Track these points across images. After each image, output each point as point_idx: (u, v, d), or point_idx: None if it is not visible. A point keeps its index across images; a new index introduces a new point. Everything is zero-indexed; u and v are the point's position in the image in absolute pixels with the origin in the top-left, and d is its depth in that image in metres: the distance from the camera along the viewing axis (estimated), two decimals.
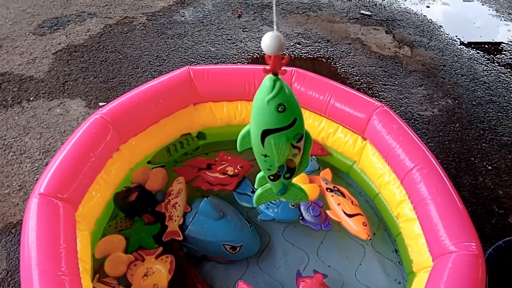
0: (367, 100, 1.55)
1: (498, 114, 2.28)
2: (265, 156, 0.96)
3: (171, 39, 2.63)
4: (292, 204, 1.50)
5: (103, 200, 1.43)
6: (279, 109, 0.85)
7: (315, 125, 1.70)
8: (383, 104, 1.54)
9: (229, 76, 1.63)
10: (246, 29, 2.76)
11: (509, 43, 2.89)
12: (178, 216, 1.47)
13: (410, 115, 2.22)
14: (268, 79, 0.84)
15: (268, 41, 0.78)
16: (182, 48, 2.56)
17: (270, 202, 1.50)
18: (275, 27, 0.81)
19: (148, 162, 1.65)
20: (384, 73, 2.48)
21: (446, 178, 1.33)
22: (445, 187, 1.30)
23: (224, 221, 1.46)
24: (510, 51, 2.80)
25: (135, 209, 1.49)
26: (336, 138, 1.67)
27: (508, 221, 1.77)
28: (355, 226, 1.45)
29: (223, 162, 1.58)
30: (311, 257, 1.54)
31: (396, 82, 2.43)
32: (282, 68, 0.83)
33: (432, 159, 1.37)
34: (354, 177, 1.74)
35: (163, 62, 2.43)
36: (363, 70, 2.50)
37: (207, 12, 2.90)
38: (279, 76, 0.84)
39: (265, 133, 0.90)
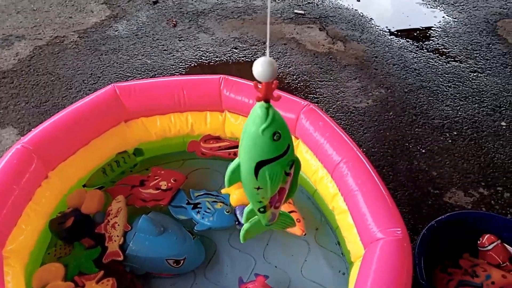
0: (294, 101, 1.59)
1: (429, 98, 2.40)
2: (258, 188, 0.90)
3: (105, 55, 2.58)
4: (227, 211, 1.52)
5: (35, 231, 1.38)
6: (275, 138, 0.80)
7: None
8: (309, 103, 1.58)
9: (157, 89, 1.62)
10: (182, 38, 2.75)
11: (436, 28, 3.04)
12: (118, 236, 1.45)
13: (347, 108, 2.30)
14: (259, 107, 0.79)
15: (260, 68, 0.74)
16: (117, 63, 2.51)
17: (205, 211, 1.51)
18: (267, 51, 0.77)
19: (84, 186, 1.62)
20: (320, 70, 2.55)
21: (371, 168, 1.39)
22: (370, 178, 1.35)
23: (166, 235, 1.45)
24: (437, 37, 2.95)
25: (73, 234, 1.46)
26: None
27: (443, 200, 1.87)
28: None
29: (156, 177, 1.58)
30: (257, 260, 1.56)
31: (331, 78, 2.50)
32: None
33: (357, 151, 1.43)
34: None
35: (98, 80, 2.38)
36: (300, 68, 2.55)
37: (141, 24, 2.87)
38: (270, 103, 0.79)
39: (259, 165, 0.84)
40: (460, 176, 1.96)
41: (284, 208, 1.53)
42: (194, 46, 2.69)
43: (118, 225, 1.46)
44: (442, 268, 1.55)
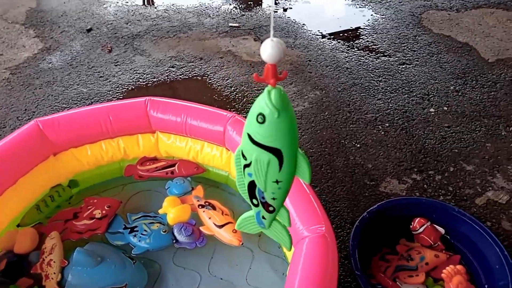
0: (219, 113, 1.63)
1: (362, 94, 2.50)
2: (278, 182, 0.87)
3: (40, 88, 2.54)
4: (163, 231, 1.53)
5: None
6: (258, 119, 0.77)
7: (182, 146, 1.74)
8: (234, 114, 1.63)
9: (82, 119, 1.62)
10: (118, 63, 2.75)
11: (365, 27, 3.18)
12: (54, 273, 1.42)
13: None
14: (281, 90, 0.77)
15: (270, 50, 0.73)
16: (52, 96, 2.48)
17: (142, 233, 1.51)
18: (271, 33, 0.76)
19: (18, 225, 1.58)
20: None
21: None
22: (296, 178, 1.40)
23: (104, 265, 1.44)
24: (366, 35, 3.08)
25: (8, 277, 1.42)
26: (205, 154, 1.73)
27: (379, 190, 1.95)
28: (226, 235, 1.51)
29: (89, 207, 1.57)
30: (203, 275, 1.57)
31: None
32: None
33: None
34: (233, 186, 1.81)
35: (33, 115, 2.34)
36: (237, 80, 2.60)
37: (75, 54, 2.85)
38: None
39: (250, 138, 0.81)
40: (393, 165, 2.05)
41: (220, 220, 1.56)
42: (130, 69, 2.69)
43: (54, 262, 1.44)
44: (381, 256, 1.61)
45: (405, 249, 1.61)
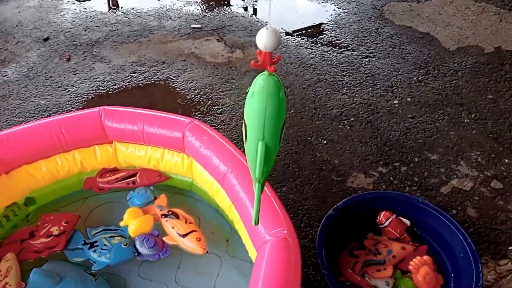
0: (177, 119, 1.59)
1: (327, 90, 2.50)
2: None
3: None
4: (124, 244, 1.48)
5: None
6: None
7: (141, 155, 1.69)
8: (193, 119, 1.59)
9: (33, 134, 1.55)
10: (77, 71, 2.67)
11: (328, 22, 3.19)
12: None
13: None
14: (275, 76, 0.88)
15: (265, 38, 0.80)
16: (7, 110, 2.38)
17: (102, 248, 1.46)
18: (269, 22, 0.83)
19: None
20: (221, 80, 2.57)
21: None
22: None
23: (63, 284, 1.38)
24: (329, 30, 3.08)
25: None
26: (166, 161, 1.68)
27: (346, 185, 1.95)
28: (190, 244, 1.47)
29: (46, 224, 1.50)
30: (169, 286, 1.53)
31: (233, 86, 2.53)
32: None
33: (241, 159, 1.45)
34: (197, 192, 1.77)
35: None
36: (201, 82, 2.56)
37: (32, 65, 2.74)
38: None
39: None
40: (360, 159, 2.05)
41: (184, 228, 1.52)
42: (90, 77, 2.61)
43: (10, 285, 1.37)
44: (349, 252, 1.61)
45: (372, 243, 1.61)
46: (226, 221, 1.70)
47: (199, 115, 2.33)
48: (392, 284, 1.51)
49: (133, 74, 2.64)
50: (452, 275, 1.49)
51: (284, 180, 1.97)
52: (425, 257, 1.52)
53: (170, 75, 2.62)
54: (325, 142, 2.16)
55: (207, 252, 1.48)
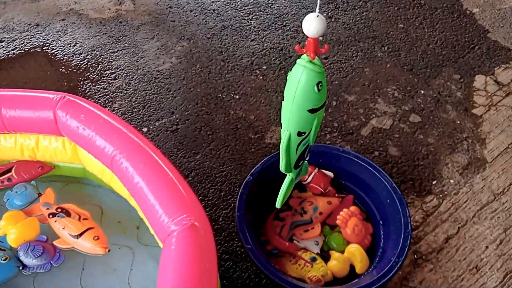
0: (43, 97, 1.27)
1: (234, 38, 2.25)
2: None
3: None
4: (3, 259, 1.20)
5: None
6: (319, 88, 0.89)
7: (11, 145, 1.36)
8: (65, 95, 1.28)
9: None
10: None
11: None
12: None
13: (150, 75, 2.03)
14: (317, 62, 0.88)
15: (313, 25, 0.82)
16: None
17: None
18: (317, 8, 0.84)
19: None
20: (111, 39, 2.20)
21: (151, 150, 1.17)
22: (152, 162, 1.15)
23: None
24: None
25: None
26: (43, 149, 1.37)
27: (265, 142, 1.78)
28: (87, 244, 1.23)
29: None
30: None
31: (126, 45, 2.18)
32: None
33: (132, 136, 1.20)
34: (94, 178, 1.50)
35: None
36: (86, 44, 2.17)
37: None
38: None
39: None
40: (276, 111, 1.88)
41: (77, 228, 1.26)
42: None
43: None
44: (275, 215, 1.47)
45: (298, 202, 1.48)
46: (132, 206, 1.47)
47: (89, 84, 1.98)
48: (321, 242, 1.42)
49: (0, 44, 2.16)
50: (381, 222, 1.42)
51: (197, 146, 1.76)
52: (352, 208, 1.43)
53: (48, 40, 2.19)
54: (237, 97, 1.95)
55: (109, 250, 1.25)
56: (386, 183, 1.39)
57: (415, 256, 1.46)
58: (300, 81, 0.88)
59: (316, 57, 0.87)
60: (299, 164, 1.12)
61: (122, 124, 1.23)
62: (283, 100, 0.95)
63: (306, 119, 0.94)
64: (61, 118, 1.24)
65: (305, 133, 0.98)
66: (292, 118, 0.94)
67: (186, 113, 1.88)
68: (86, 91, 1.96)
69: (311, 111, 0.92)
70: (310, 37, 0.83)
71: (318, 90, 0.88)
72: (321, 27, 0.82)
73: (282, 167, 1.09)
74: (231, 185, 1.64)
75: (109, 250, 1.24)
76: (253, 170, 1.43)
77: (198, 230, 1.02)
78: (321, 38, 0.90)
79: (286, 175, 1.20)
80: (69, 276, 1.32)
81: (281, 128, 1.01)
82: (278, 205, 1.25)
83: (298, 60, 0.89)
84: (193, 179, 1.64)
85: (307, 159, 1.15)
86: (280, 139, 1.03)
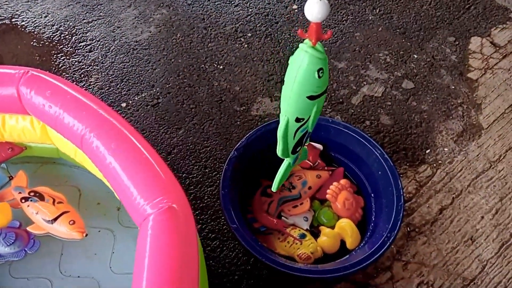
0: (4, 73, 1.16)
1: (216, 4, 2.11)
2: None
3: None
4: None
5: None
6: (320, 74, 0.87)
7: None
8: (28, 69, 1.17)
9: None
10: None
11: None
12: None
13: (128, 46, 1.91)
14: (319, 47, 0.86)
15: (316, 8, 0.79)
16: None
17: None
18: None
19: None
20: (85, 8, 2.06)
21: (124, 127, 1.08)
22: (126, 140, 1.06)
23: None
24: None
25: None
26: (10, 129, 1.27)
27: (251, 114, 1.69)
28: (62, 229, 1.16)
29: None
30: (54, 279, 1.24)
31: (101, 14, 2.04)
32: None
33: (102, 112, 1.10)
34: (69, 159, 1.41)
35: None
36: (59, 15, 2.03)
37: None
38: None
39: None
40: (263, 81, 1.79)
41: (51, 212, 1.19)
42: None
43: None
44: (263, 191, 1.40)
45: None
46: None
47: (63, 57, 1.86)
48: (311, 217, 1.36)
49: None
50: (372, 195, 1.36)
51: (180, 121, 1.66)
52: (342, 181, 1.37)
53: (17, 11, 2.04)
54: (221, 67, 1.84)
55: (86, 235, 1.18)
56: (377, 154, 1.32)
57: (408, 229, 1.41)
58: (301, 67, 0.86)
59: (319, 42, 0.85)
60: (297, 150, 1.12)
61: (92, 100, 1.13)
62: (283, 84, 0.93)
63: (305, 106, 0.93)
64: (25, 95, 1.14)
65: (303, 119, 0.98)
66: (291, 103, 0.93)
67: (167, 85, 1.77)
68: (60, 65, 1.84)
69: (311, 97, 0.91)
70: (313, 22, 0.82)
71: (319, 76, 0.86)
72: (324, 11, 0.79)
73: (279, 151, 1.08)
74: (216, 161, 1.57)
75: (86, 235, 1.17)
76: (237, 145, 1.35)
77: (177, 213, 0.95)
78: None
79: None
80: (47, 262, 1.26)
81: (280, 112, 1.00)
82: (274, 188, 1.26)
83: (300, 45, 0.86)
84: (176, 156, 1.56)
85: (306, 145, 1.15)
86: (278, 123, 1.02)
